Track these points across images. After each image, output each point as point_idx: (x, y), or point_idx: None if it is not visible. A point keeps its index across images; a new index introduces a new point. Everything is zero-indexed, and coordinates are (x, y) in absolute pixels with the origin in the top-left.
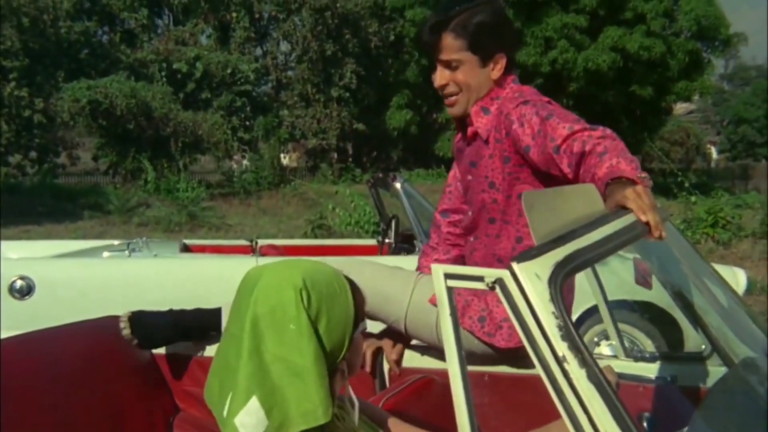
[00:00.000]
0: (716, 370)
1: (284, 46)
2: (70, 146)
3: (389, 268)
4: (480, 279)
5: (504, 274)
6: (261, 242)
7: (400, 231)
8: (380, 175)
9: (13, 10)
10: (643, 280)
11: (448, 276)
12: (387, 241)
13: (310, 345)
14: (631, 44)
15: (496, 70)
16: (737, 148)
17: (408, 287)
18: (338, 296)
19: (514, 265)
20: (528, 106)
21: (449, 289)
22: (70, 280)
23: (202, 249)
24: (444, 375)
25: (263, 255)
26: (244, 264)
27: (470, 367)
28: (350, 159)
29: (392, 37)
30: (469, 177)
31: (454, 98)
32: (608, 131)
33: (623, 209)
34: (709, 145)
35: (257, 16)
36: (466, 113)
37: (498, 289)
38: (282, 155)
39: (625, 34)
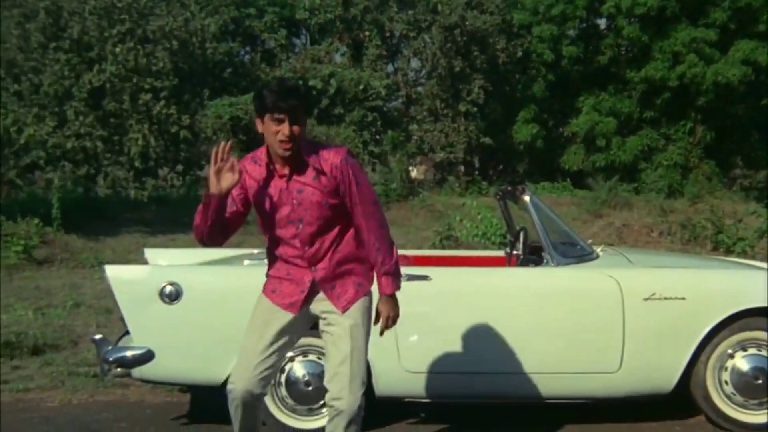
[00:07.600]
0: None
1: (414, 63)
2: None
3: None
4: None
5: None
6: None
7: (529, 243)
8: (509, 187)
9: (165, 35)
10: None
11: None
12: (515, 252)
13: None
14: (764, 57)
15: (305, 126)
16: None
17: None
18: None
19: None
20: (350, 165)
21: None
22: (214, 287)
23: None
24: None
25: None
26: None
27: None
28: (477, 172)
29: (520, 54)
30: (295, 201)
31: (292, 144)
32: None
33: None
34: None
35: (389, 34)
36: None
37: None
38: (410, 168)
39: (757, 47)
